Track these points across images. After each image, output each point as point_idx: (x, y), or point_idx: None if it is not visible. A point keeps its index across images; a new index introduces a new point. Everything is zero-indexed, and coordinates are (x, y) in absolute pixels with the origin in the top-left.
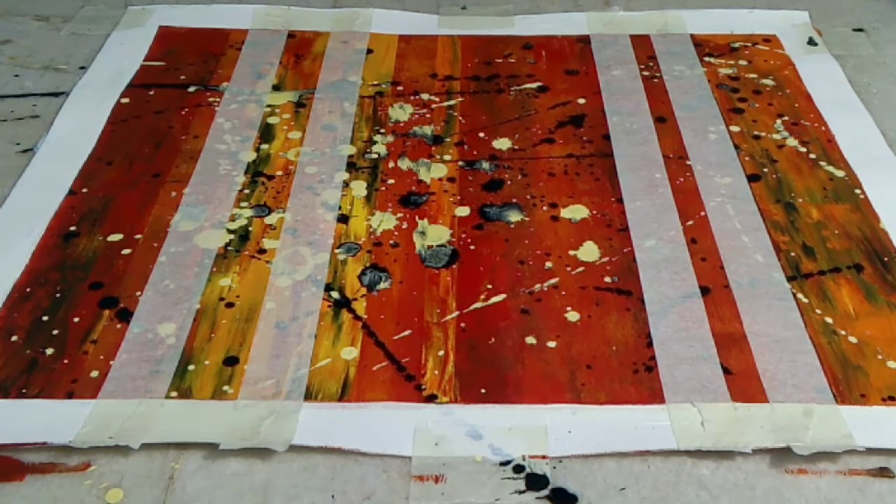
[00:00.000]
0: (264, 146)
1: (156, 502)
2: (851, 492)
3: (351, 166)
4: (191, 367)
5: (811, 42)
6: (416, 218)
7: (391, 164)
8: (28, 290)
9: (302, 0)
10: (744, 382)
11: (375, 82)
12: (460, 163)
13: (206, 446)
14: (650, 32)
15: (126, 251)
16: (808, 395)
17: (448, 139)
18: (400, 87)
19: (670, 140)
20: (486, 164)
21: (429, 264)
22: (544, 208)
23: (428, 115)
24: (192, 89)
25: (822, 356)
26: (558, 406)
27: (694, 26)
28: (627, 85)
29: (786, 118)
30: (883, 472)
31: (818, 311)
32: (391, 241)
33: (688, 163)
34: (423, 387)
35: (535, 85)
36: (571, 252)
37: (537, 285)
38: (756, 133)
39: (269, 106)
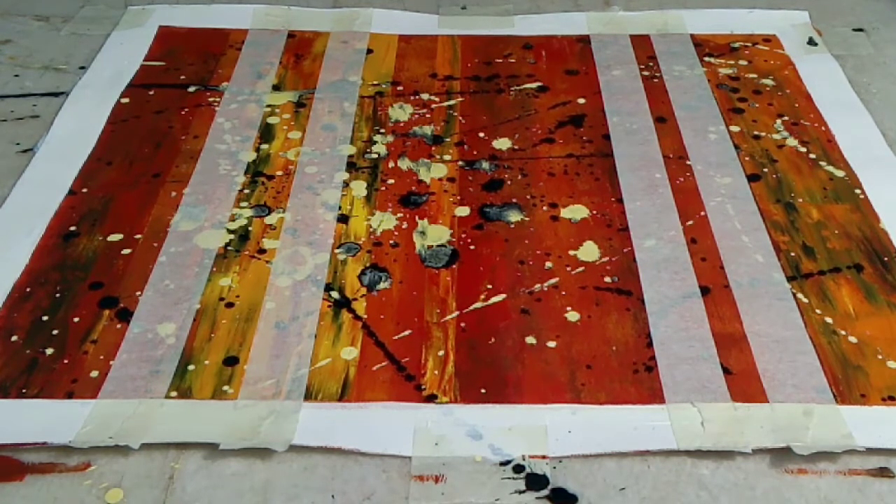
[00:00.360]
0: (264, 146)
1: (156, 502)
2: (851, 492)
3: (351, 166)
4: (191, 367)
5: (811, 42)
6: (416, 218)
7: (391, 164)
8: (28, 290)
9: (302, 0)
10: (744, 382)
11: (375, 82)
12: (460, 163)
13: (206, 446)
14: (650, 32)
15: (126, 251)
16: (808, 395)
17: (448, 139)
18: (400, 87)
19: (670, 140)
20: (486, 164)
21: (429, 264)
22: (544, 208)
23: (428, 115)
24: (192, 89)
25: (822, 356)
26: (558, 406)
27: (694, 26)
28: (627, 85)
29: (786, 118)
30: (883, 472)
31: (818, 311)
32: (391, 241)
33: (688, 163)
34: (423, 387)
35: (535, 85)
36: (571, 252)
37: (537, 285)
38: (756, 133)
39: (269, 106)
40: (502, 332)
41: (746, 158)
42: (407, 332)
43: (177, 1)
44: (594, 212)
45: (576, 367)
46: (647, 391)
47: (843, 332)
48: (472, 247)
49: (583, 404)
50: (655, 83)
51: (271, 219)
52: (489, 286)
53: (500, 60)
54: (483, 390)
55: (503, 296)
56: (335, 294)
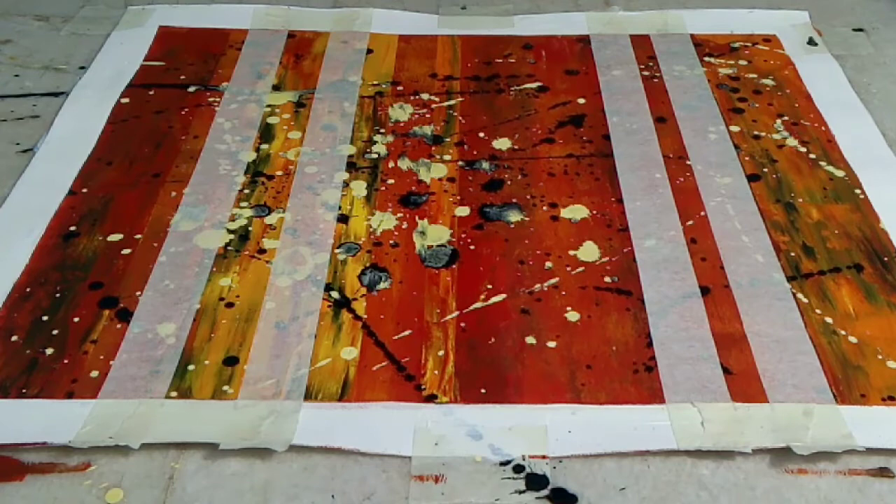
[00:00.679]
0: (264, 146)
1: (156, 502)
2: (851, 492)
3: (351, 166)
4: (191, 367)
5: (811, 42)
6: (416, 218)
7: (391, 164)
8: (28, 289)
9: (302, 0)
10: (744, 382)
11: (375, 82)
12: (460, 163)
13: (206, 446)
14: (650, 32)
15: (126, 251)
16: (808, 395)
17: (448, 139)
18: (400, 87)
19: (670, 140)
20: (485, 164)
21: (429, 264)
22: (544, 208)
23: (428, 115)
24: (192, 89)
25: (822, 356)
26: (558, 406)
27: (694, 26)
28: (627, 85)
29: (786, 118)
30: (883, 472)
31: (818, 311)
32: (391, 241)
33: (688, 163)
34: (423, 387)
35: (535, 85)
36: (571, 252)
37: (537, 285)
38: (756, 133)
39: (269, 106)
40: (502, 332)
41: (746, 158)
42: (407, 332)
43: (177, 1)
44: (594, 212)
45: (576, 367)
46: (647, 391)
47: (843, 332)
48: (472, 247)
49: (583, 404)
50: (655, 83)
51: (271, 219)
52: (489, 286)
53: (500, 60)
54: (483, 390)
55: (503, 296)
56: (335, 294)
